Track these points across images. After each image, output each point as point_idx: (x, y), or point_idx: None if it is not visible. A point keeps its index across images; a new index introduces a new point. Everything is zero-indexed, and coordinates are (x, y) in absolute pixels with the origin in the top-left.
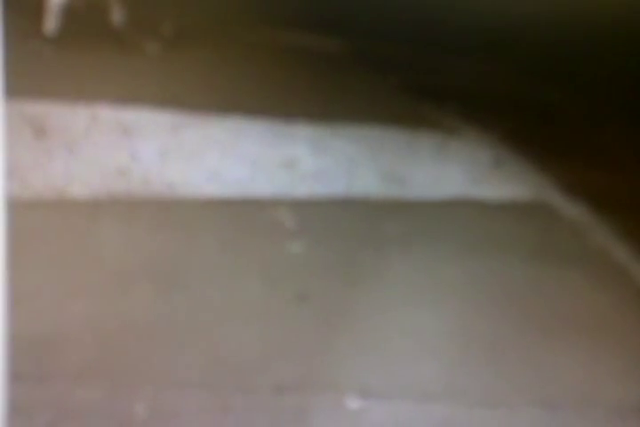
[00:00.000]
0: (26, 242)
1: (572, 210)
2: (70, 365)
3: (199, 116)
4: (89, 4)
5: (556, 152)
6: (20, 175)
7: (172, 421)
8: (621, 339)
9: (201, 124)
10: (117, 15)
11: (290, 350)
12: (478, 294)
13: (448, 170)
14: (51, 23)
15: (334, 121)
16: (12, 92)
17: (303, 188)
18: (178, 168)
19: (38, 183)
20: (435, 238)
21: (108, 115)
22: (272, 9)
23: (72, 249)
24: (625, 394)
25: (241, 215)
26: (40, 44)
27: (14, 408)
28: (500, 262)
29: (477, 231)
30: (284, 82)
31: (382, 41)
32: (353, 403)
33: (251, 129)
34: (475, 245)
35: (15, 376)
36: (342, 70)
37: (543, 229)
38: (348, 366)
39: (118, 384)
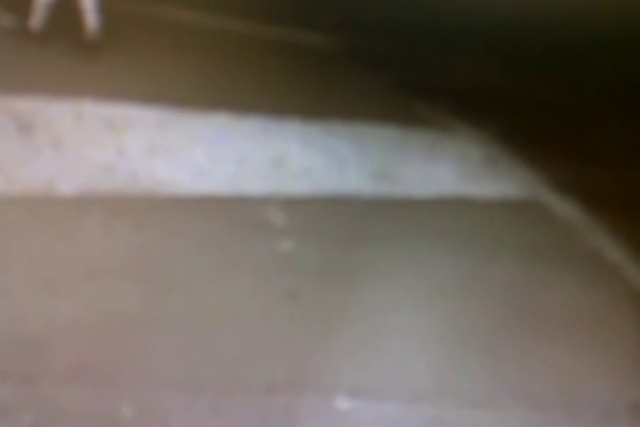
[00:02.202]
0: (10, 239)
1: (566, 208)
2: (56, 365)
3: (187, 112)
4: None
5: (550, 150)
6: (4, 172)
7: (159, 422)
8: (613, 339)
9: (189, 121)
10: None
11: (279, 350)
12: (469, 293)
13: (440, 168)
14: (37, 20)
15: (325, 118)
16: None
17: (293, 185)
18: (165, 165)
19: (23, 180)
20: (426, 237)
21: (95, 111)
22: (264, 4)
23: (58, 247)
24: (616, 394)
25: (229, 213)
26: (25, 40)
27: (0, 409)
28: (491, 261)
29: (469, 230)
30: (275, 78)
31: (376, 38)
32: (343, 403)
33: (240, 126)
34: (466, 243)
35: (0, 376)
36: (335, 67)
37: (536, 227)
38: (338, 367)
39: (104, 385)
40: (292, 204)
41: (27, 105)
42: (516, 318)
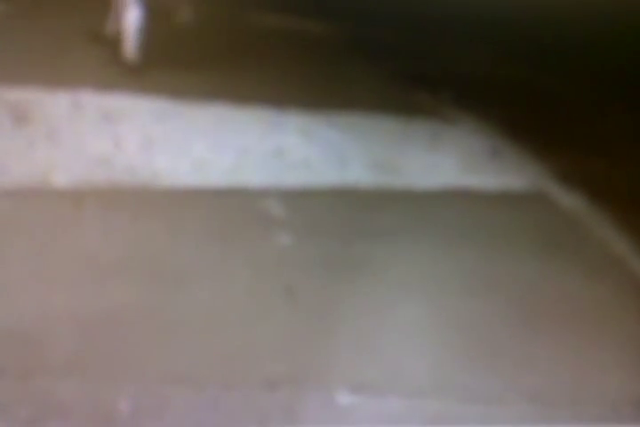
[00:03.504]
0: (6, 232)
1: (570, 200)
2: (52, 360)
3: (185, 102)
4: None
5: (554, 141)
6: None
7: (156, 417)
8: (618, 333)
9: (187, 112)
10: None
11: (279, 344)
12: (472, 287)
13: (443, 159)
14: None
15: (326, 109)
16: None
17: (293, 178)
18: (163, 157)
19: (19, 172)
20: (428, 230)
21: (91, 101)
22: None
23: (54, 240)
24: (621, 389)
25: (228, 206)
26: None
27: None
28: (495, 255)
29: (472, 223)
30: (275, 68)
31: (378, 28)
32: (343, 398)
33: (239, 117)
34: (469, 236)
35: None
36: (336, 57)
37: (540, 219)
38: (339, 362)
39: (101, 380)
40: (292, 196)
41: (22, 95)
42: (520, 311)
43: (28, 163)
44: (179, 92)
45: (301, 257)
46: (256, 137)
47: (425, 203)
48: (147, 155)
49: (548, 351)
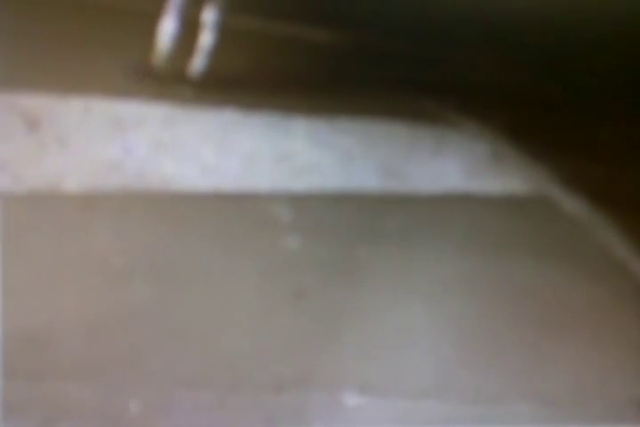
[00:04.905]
0: (18, 237)
1: (572, 204)
2: (64, 362)
3: (194, 109)
4: None
5: (556, 146)
6: (11, 169)
7: (166, 419)
8: (620, 335)
9: (196, 118)
10: None
11: (287, 347)
12: (476, 290)
13: (447, 164)
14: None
15: (332, 114)
16: (4, 83)
17: (300, 182)
18: (172, 162)
19: (30, 177)
20: (433, 233)
21: (102, 107)
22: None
23: (65, 244)
24: (624, 390)
25: (236, 210)
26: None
27: (8, 406)
28: (498, 258)
29: (476, 226)
30: (281, 74)
31: (381, 33)
32: (351, 400)
33: (246, 122)
34: (473, 240)
35: (8, 374)
36: (341, 63)
37: (542, 223)
38: (346, 363)
39: (112, 382)
40: (299, 200)
41: (34, 102)
42: (522, 313)
43: (40, 168)
44: (187, 98)
45: (309, 260)
46: (263, 142)
47: (430, 207)
48: (156, 160)
49: (550, 353)
